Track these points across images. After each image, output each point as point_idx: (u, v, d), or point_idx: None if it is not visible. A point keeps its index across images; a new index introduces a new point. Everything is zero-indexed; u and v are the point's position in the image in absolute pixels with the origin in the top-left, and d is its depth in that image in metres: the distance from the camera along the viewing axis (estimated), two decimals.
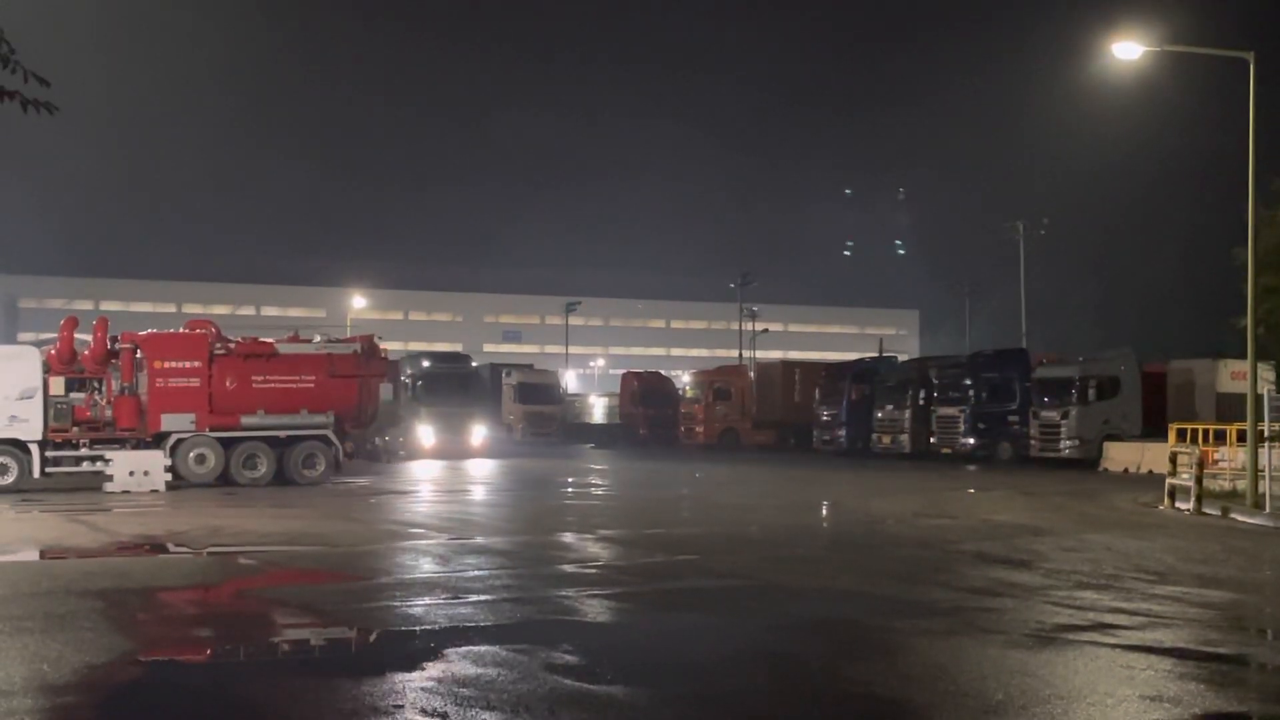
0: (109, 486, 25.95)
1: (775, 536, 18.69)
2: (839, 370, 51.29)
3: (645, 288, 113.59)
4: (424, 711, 7.92)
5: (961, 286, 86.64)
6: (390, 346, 33.50)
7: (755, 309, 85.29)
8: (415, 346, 66.26)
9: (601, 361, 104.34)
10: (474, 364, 46.19)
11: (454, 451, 41.43)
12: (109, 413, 26.97)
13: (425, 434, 41.70)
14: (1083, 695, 8.45)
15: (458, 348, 61.90)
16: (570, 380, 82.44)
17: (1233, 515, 21.41)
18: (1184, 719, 7.88)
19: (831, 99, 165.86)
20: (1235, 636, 10.97)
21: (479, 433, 43.23)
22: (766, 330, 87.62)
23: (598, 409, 68.68)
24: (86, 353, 27.59)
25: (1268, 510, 20.88)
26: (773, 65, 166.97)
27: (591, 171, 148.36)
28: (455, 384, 43.38)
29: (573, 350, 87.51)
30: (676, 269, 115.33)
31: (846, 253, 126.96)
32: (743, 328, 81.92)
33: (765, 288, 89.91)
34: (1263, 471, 22.22)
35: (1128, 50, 24.56)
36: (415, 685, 8.63)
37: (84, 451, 26.52)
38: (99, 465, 26.33)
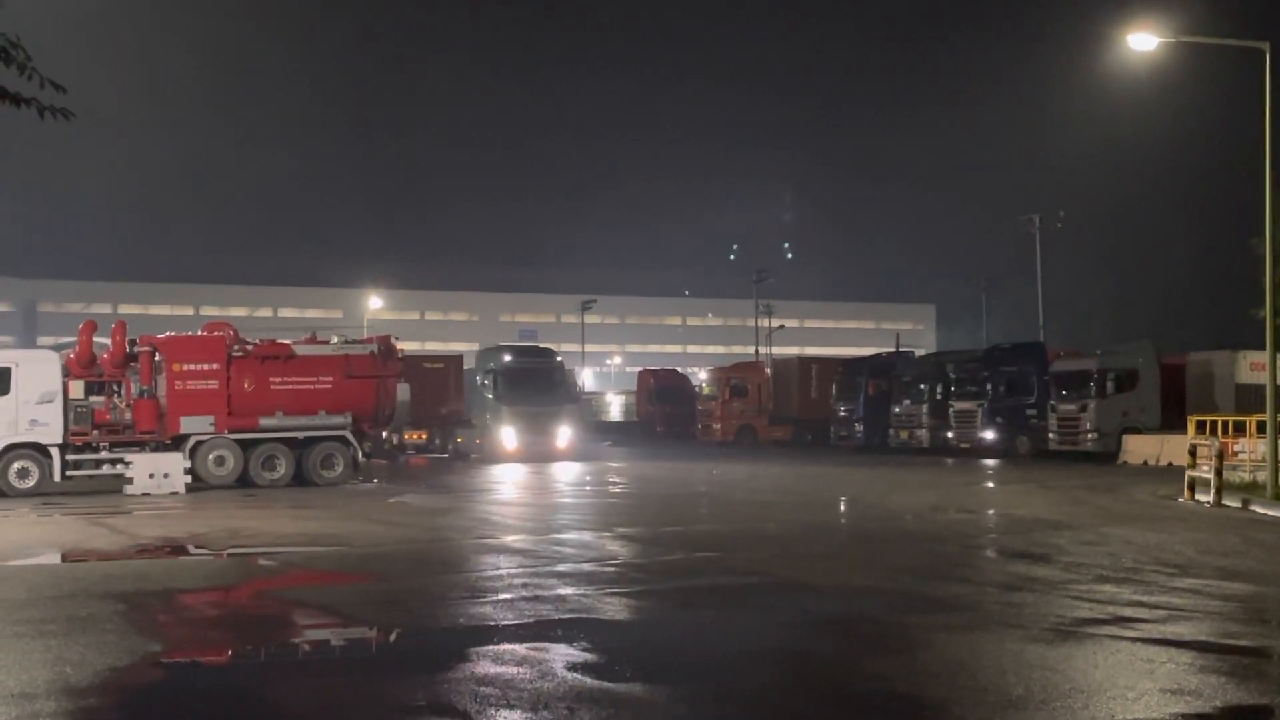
0: (129, 489, 26.08)
1: (793, 533, 18.68)
2: (856, 366, 51.19)
3: (661, 285, 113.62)
4: (445, 710, 7.95)
5: (978, 280, 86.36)
6: (407, 347, 33.56)
7: (771, 305, 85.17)
8: (432, 347, 66.47)
9: (618, 359, 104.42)
10: (559, 359, 42.60)
11: (539, 454, 38.57)
12: (128, 416, 27.12)
13: (508, 435, 38.97)
14: (1103, 689, 8.43)
15: (474, 347, 61.90)
16: (587, 378, 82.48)
17: (1253, 507, 21.31)
18: (1205, 712, 7.85)
19: (844, 95, 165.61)
20: (1256, 629, 10.92)
21: (565, 434, 39.93)
22: (782, 326, 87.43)
23: (615, 407, 68.81)
24: (105, 356, 27.75)
25: None
26: (787, 62, 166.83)
27: (606, 171, 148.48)
28: (540, 381, 40.04)
29: (589, 348, 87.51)
30: (692, 266, 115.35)
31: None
32: (759, 324, 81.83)
33: (781, 284, 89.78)
34: None
35: (1143, 42, 24.46)
36: (436, 684, 8.66)
37: (104, 454, 26.68)
38: (119, 468, 26.48)
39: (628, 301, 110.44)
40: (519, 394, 39.23)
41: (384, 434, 41.17)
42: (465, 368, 44.16)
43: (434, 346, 66.83)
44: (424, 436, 42.58)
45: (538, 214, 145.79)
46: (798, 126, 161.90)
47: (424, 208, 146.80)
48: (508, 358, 40.69)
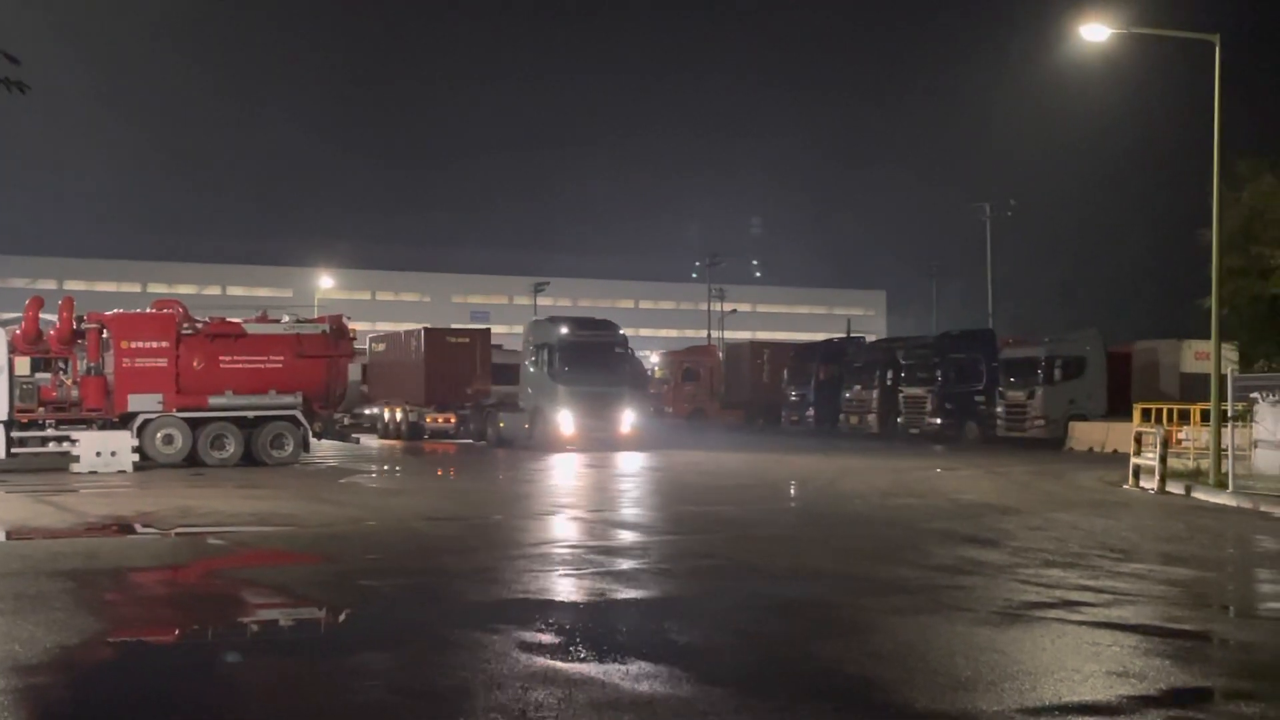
0: (76, 467, 25.77)
1: (745, 516, 18.77)
2: (807, 351, 51.48)
3: (614, 268, 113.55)
4: (396, 690, 7.95)
5: (928, 267, 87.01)
6: (359, 327, 33.38)
7: (723, 290, 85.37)
8: (383, 326, 66.00)
9: None
10: (623, 332, 37.33)
11: (600, 440, 34.17)
12: (75, 393, 26.81)
13: (565, 420, 34.16)
14: (1050, 671, 8.57)
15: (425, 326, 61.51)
16: None
17: (1196, 494, 21.65)
18: (1149, 694, 7.99)
19: (799, 83, 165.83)
20: (1199, 613, 11.13)
21: (629, 419, 35.22)
22: (735, 311, 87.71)
23: None
24: (52, 332, 27.40)
25: (1230, 489, 21.11)
26: (740, 51, 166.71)
27: (560, 152, 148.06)
28: (603, 357, 35.31)
29: None
30: (645, 250, 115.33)
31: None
32: (711, 308, 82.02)
33: (733, 269, 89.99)
34: (1225, 451, 22.45)
35: (1095, 32, 24.70)
36: (386, 665, 8.66)
37: (50, 432, 26.34)
38: (65, 446, 26.14)
39: (580, 284, 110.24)
40: (579, 372, 34.57)
41: (402, 416, 40.53)
42: (493, 343, 41.48)
43: (385, 326, 66.41)
44: (451, 420, 39.14)
45: (493, 197, 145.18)
46: (750, 115, 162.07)
47: (376, 188, 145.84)
48: (565, 330, 35.70)
